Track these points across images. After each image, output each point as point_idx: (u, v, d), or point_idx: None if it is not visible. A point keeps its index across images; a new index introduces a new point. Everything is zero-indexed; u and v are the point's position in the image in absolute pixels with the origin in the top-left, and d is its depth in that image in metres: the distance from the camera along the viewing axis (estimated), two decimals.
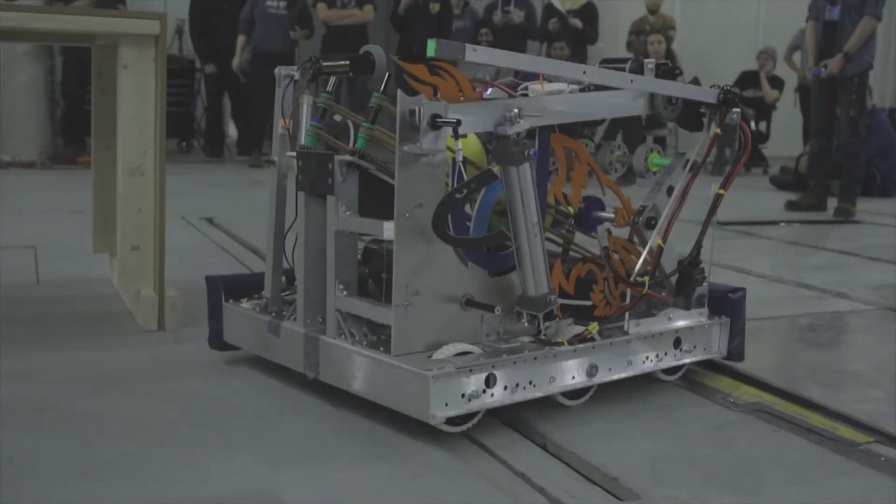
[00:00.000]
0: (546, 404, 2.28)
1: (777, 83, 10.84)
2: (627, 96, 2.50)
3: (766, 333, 3.28)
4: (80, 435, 2.06)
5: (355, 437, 2.09)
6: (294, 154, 2.40)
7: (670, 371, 2.58)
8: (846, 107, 6.78)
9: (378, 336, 2.26)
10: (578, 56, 9.42)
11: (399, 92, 2.10)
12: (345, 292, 2.27)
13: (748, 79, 10.85)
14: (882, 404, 2.48)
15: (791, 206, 7.08)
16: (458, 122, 2.07)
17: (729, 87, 2.57)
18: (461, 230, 2.25)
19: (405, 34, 9.56)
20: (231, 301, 2.61)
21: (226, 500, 1.75)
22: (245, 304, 2.60)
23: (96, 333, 2.89)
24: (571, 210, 2.53)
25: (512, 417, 2.20)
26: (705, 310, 2.63)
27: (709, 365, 2.69)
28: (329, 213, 2.27)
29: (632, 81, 2.44)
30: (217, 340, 2.63)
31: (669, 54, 9.38)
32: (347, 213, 2.25)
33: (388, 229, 2.13)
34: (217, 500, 1.75)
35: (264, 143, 9.38)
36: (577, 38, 9.69)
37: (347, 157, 2.24)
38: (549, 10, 10.05)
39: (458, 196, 2.09)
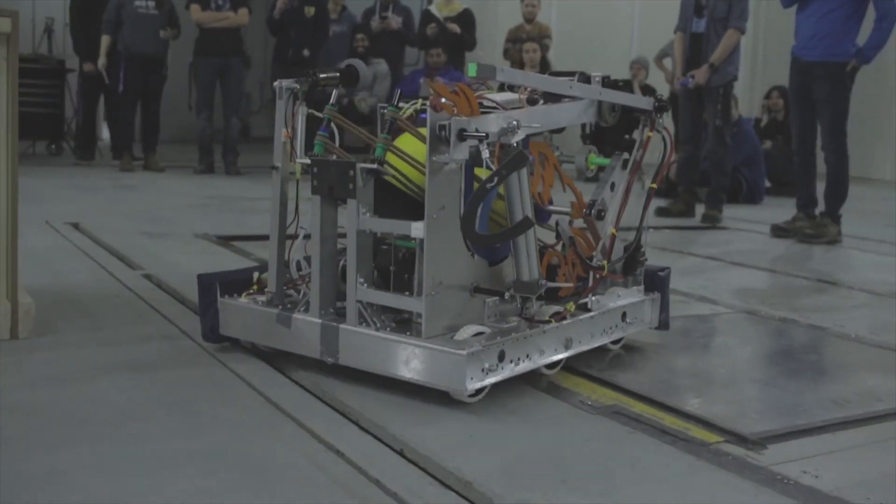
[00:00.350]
0: (406, 409, 2.28)
1: (649, 92, 11.08)
2: (584, 106, 2.91)
3: (627, 337, 3.34)
4: None
5: (207, 443, 2.05)
6: (307, 161, 2.62)
7: (615, 341, 2.96)
8: (712, 116, 6.98)
9: (394, 323, 2.53)
10: (455, 63, 9.47)
11: (430, 110, 2.38)
12: (364, 285, 2.52)
13: (623, 89, 11.06)
14: (734, 406, 2.55)
15: (661, 212, 7.24)
16: (486, 136, 2.38)
17: (661, 97, 3.06)
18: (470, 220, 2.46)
19: (281, 38, 9.47)
20: (227, 297, 2.77)
21: None
22: (243, 299, 2.76)
23: None
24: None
25: (369, 424, 2.19)
26: (641, 287, 3.05)
27: (567, 367, 2.72)
28: (350, 215, 2.51)
29: (601, 94, 2.92)
30: (213, 334, 2.78)
31: (544, 62, 9.51)
32: (367, 214, 2.51)
33: (417, 229, 2.41)
34: None
35: (134, 146, 9.19)
36: (454, 45, 9.75)
37: (368, 165, 2.50)
38: (427, 17, 10.09)
39: (489, 185, 2.36)
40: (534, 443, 2.18)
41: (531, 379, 2.61)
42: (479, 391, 2.38)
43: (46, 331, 2.88)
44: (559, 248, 2.80)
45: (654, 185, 2.99)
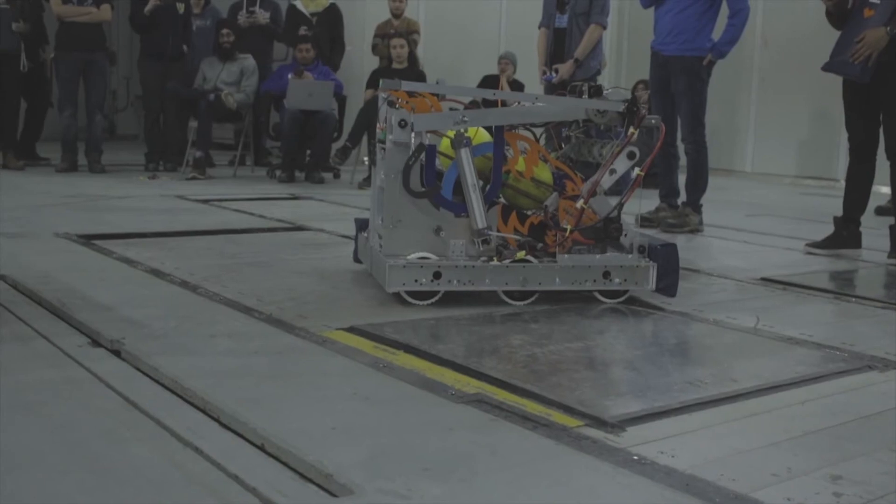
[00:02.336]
0: (269, 404, 2.27)
1: (517, 87, 11.22)
2: (567, 105, 3.91)
3: (494, 325, 3.38)
4: None
5: (62, 446, 1.99)
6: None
7: (610, 295, 3.75)
8: None
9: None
10: (323, 58, 9.42)
11: (388, 109, 3.68)
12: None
13: (490, 83, 11.17)
14: (595, 390, 2.60)
15: None
16: (411, 124, 3.51)
17: (633, 98, 3.77)
18: (434, 184, 3.57)
19: (152, 35, 9.25)
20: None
21: None
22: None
23: None
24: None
25: (230, 420, 2.17)
26: (636, 255, 3.76)
27: (433, 359, 2.74)
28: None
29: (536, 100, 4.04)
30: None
31: (412, 58, 9.52)
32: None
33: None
34: None
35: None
36: (324, 41, 9.70)
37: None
38: (293, 12, 10.00)
39: (410, 162, 3.52)
40: (397, 433, 2.18)
41: (395, 370, 2.62)
42: (426, 296, 3.51)
43: None
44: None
45: (642, 173, 3.69)
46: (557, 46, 7.12)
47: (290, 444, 2.03)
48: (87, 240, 4.69)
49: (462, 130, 3.55)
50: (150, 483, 1.83)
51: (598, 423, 2.29)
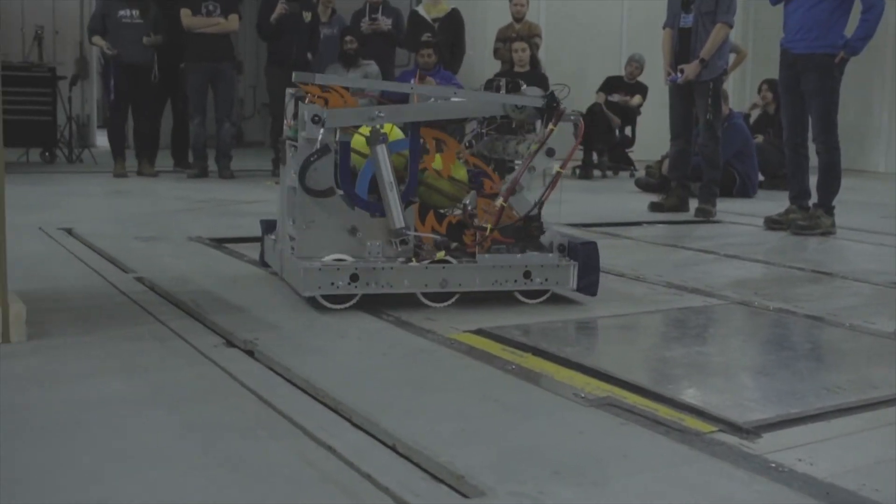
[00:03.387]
0: (399, 405, 2.28)
1: (640, 88, 11.09)
2: (485, 101, 3.70)
3: (622, 330, 3.35)
4: None
5: (200, 442, 2.04)
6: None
7: (531, 295, 3.60)
8: (703, 111, 6.98)
9: None
10: (444, 62, 9.47)
11: (301, 104, 3.46)
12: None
13: (613, 84, 11.08)
14: (728, 395, 2.54)
15: (654, 207, 7.24)
16: (321, 120, 3.36)
17: (553, 94, 3.60)
18: (348, 182, 3.47)
19: (277, 44, 9.46)
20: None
21: None
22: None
23: None
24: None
25: (362, 420, 2.19)
26: (556, 254, 3.63)
27: (562, 361, 2.72)
28: None
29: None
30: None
31: (534, 61, 9.51)
32: None
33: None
34: None
35: (126, 151, 9.17)
36: (445, 46, 9.75)
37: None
38: (415, 18, 10.08)
39: (312, 160, 3.38)
40: (526, 435, 2.17)
41: (523, 372, 2.62)
42: (340, 300, 3.34)
43: (38, 335, 2.87)
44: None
45: (561, 170, 3.61)
46: (682, 47, 7.02)
47: (421, 444, 2.04)
48: (219, 243, 4.81)
49: (378, 126, 3.41)
50: (285, 480, 1.86)
51: (733, 428, 2.24)
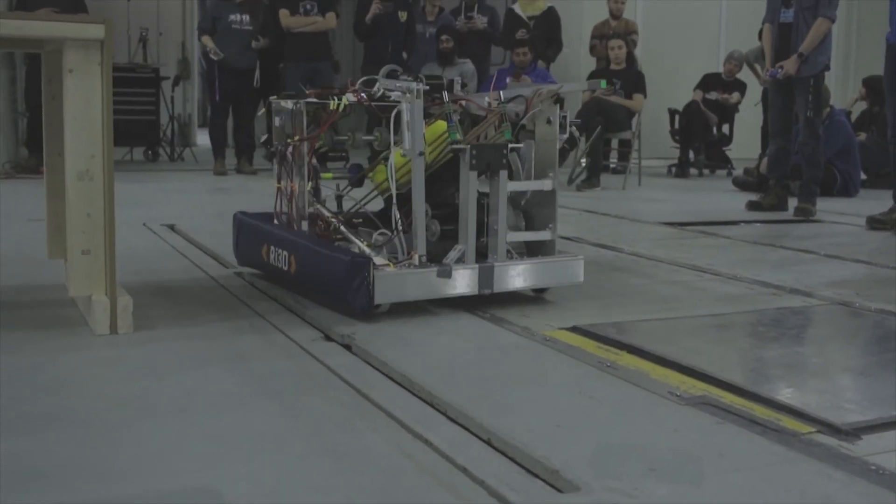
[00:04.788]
0: (494, 400, 2.31)
1: (738, 86, 10.93)
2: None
3: (718, 329, 3.32)
4: (28, 435, 2.06)
5: (300, 432, 2.09)
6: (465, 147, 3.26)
7: None
8: (803, 108, 6.86)
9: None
10: (541, 57, 9.46)
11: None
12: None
13: (711, 81, 10.94)
14: (826, 396, 2.51)
15: (752, 206, 7.14)
16: None
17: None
18: None
19: (373, 43, 9.57)
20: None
21: (165, 497, 1.75)
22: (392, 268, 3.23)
23: (49, 338, 2.88)
24: None
25: (457, 414, 2.22)
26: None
27: (658, 360, 2.72)
28: (503, 181, 3.33)
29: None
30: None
31: (631, 58, 9.44)
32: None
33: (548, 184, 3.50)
34: (156, 497, 1.75)
35: (227, 151, 9.36)
36: (541, 44, 9.74)
37: (514, 144, 3.45)
38: (511, 16, 10.09)
39: None
40: (621, 432, 2.18)
41: (619, 370, 2.62)
42: None
43: (144, 326, 2.96)
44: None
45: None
46: (783, 42, 6.90)
47: (517, 439, 2.06)
48: None
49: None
50: (383, 470, 1.90)
51: (832, 429, 2.21)
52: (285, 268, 3.49)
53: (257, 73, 9.37)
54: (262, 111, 3.92)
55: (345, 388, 2.42)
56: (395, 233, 3.35)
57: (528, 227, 3.59)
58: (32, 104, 9.13)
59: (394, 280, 3.16)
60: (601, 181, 8.61)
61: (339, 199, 3.80)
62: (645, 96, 9.14)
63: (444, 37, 9.44)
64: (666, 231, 5.85)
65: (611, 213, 6.71)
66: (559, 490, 1.85)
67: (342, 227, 3.53)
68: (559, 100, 3.53)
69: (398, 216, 3.31)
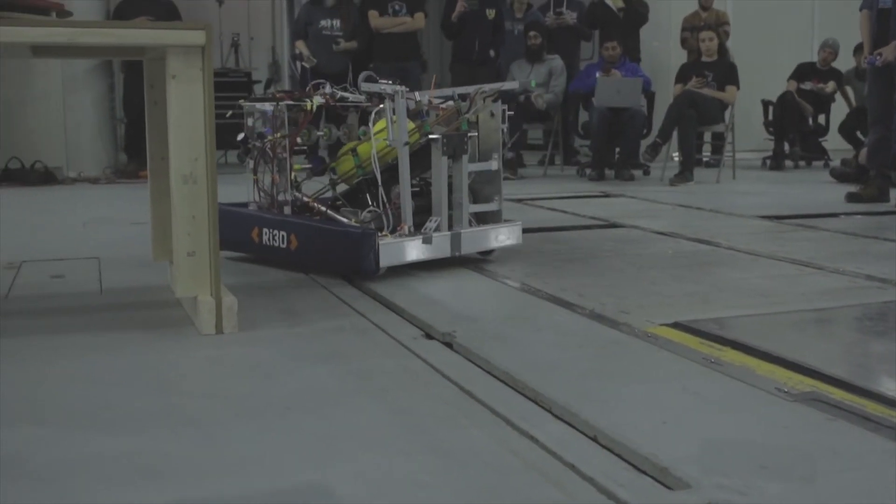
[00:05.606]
0: (598, 397, 2.30)
1: (834, 75, 10.69)
2: None
3: (823, 323, 3.25)
4: (140, 433, 2.11)
5: (405, 430, 2.11)
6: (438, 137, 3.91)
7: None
8: None
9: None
10: (627, 56, 9.37)
11: None
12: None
13: (805, 71, 10.71)
14: None
15: (851, 197, 6.97)
16: None
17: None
18: None
19: (461, 41, 9.58)
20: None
21: (277, 495, 1.78)
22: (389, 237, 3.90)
23: (158, 338, 2.95)
24: None
25: (562, 411, 2.21)
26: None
27: (762, 355, 2.67)
28: (465, 164, 4.03)
29: None
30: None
31: (722, 50, 9.29)
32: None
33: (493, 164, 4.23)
34: (268, 495, 1.78)
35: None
36: (628, 29, 9.64)
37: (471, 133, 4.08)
38: (597, 7, 10.00)
39: None
40: (729, 429, 2.15)
41: (723, 366, 2.58)
42: None
43: (248, 326, 3.01)
44: None
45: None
46: (881, 28, 6.72)
47: (623, 436, 2.04)
48: None
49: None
50: (490, 467, 1.90)
51: None
52: (283, 246, 3.98)
53: (350, 77, 9.44)
54: (229, 113, 4.47)
55: (448, 386, 2.43)
56: (383, 209, 3.94)
57: (477, 201, 4.25)
58: (130, 111, 9.35)
59: (392, 247, 3.78)
60: (694, 175, 8.49)
61: (333, 184, 4.38)
62: (738, 88, 8.99)
63: (532, 33, 9.40)
64: (763, 225, 5.75)
65: (705, 207, 6.61)
66: (668, 487, 1.83)
67: (325, 209, 4.11)
68: (498, 97, 4.25)
69: (384, 195, 3.92)
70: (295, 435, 2.10)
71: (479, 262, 4.17)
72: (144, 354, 2.77)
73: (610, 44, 9.09)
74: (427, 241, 3.88)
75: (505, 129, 4.33)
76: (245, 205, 4.30)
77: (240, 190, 4.44)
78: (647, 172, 9.12)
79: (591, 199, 7.12)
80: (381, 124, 3.98)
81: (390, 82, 3.87)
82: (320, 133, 4.23)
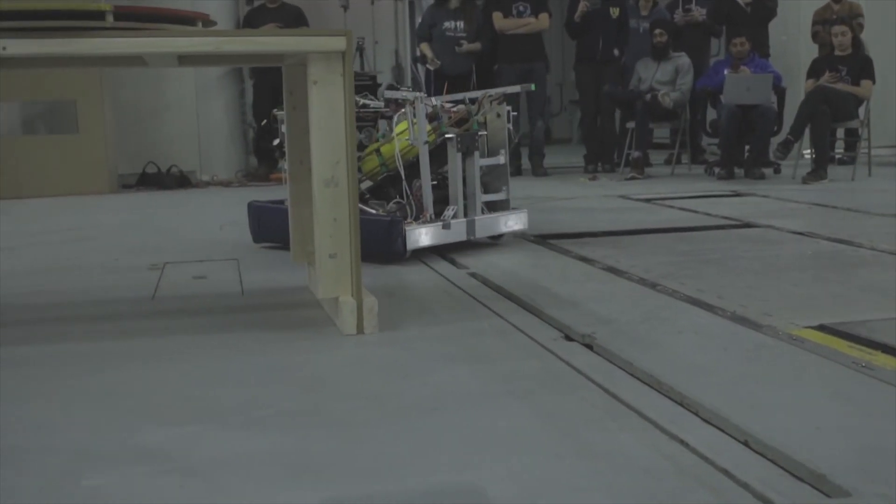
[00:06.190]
0: (747, 400, 2.26)
1: None
2: None
3: None
4: (290, 432, 2.15)
5: (554, 432, 2.10)
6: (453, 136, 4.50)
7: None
8: None
9: None
10: (756, 52, 9.15)
11: None
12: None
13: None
14: None
15: None
16: None
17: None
18: None
19: (584, 41, 9.52)
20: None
21: (430, 495, 1.79)
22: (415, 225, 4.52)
23: (301, 338, 3.01)
24: None
25: (710, 415, 2.17)
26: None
27: None
28: (476, 159, 4.59)
29: None
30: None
31: (857, 43, 9.00)
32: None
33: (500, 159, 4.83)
34: (422, 494, 1.80)
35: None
36: (756, 24, 9.43)
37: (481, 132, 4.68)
38: (725, 3, 9.79)
39: None
40: (886, 435, 2.07)
41: (875, 370, 2.50)
42: None
43: (387, 326, 3.05)
44: None
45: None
46: None
47: (776, 441, 2.00)
48: (543, 239, 4.91)
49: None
50: (642, 471, 1.88)
51: None
52: None
53: (474, 78, 9.48)
54: (264, 121, 5.10)
55: (593, 388, 2.42)
56: (406, 200, 4.50)
57: (487, 192, 4.79)
58: (259, 116, 9.57)
59: (416, 233, 4.28)
60: (828, 173, 8.26)
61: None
62: (874, 82, 8.70)
63: (657, 31, 9.27)
64: None
65: (841, 206, 6.43)
66: (827, 495, 1.78)
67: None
68: (504, 99, 4.83)
69: (407, 188, 4.50)
70: (444, 435, 2.11)
71: (613, 262, 4.14)
72: (289, 354, 2.84)
73: (738, 39, 8.90)
74: (446, 226, 4.39)
75: (510, 129, 4.81)
76: (281, 202, 4.71)
77: (261, 193, 4.58)
78: (777, 171, 8.90)
79: (722, 198, 6.99)
80: (401, 126, 4.52)
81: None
82: None
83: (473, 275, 3.94)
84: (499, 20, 9.24)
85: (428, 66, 9.33)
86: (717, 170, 8.65)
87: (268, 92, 9.11)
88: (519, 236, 5.00)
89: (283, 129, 4.37)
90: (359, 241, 3.02)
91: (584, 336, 2.88)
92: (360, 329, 3.00)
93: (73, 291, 3.93)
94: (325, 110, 2.99)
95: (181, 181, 8.95)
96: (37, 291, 3.95)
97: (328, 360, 2.77)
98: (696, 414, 2.22)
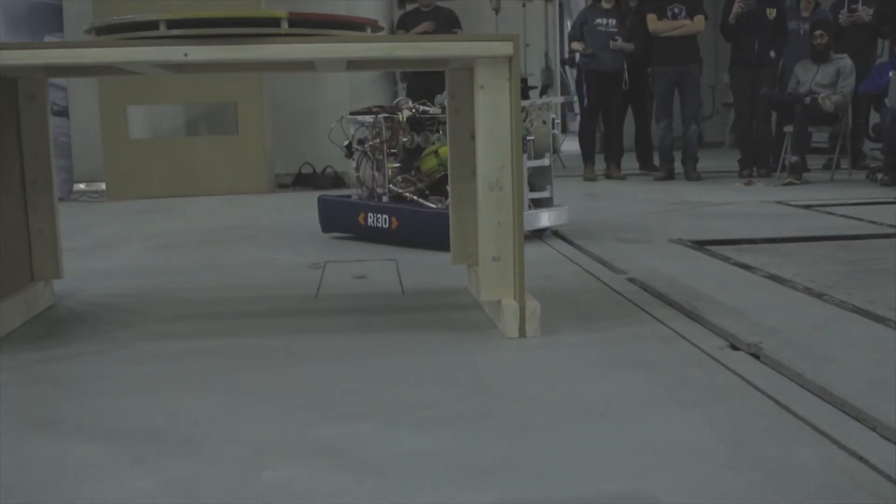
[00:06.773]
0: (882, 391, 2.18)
1: None
2: None
3: None
4: (460, 433, 2.18)
5: (726, 443, 2.08)
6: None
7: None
8: None
9: None
10: None
11: None
12: None
13: None
14: None
15: None
16: None
17: None
18: None
19: (739, 42, 9.32)
20: None
21: (603, 500, 1.79)
22: None
23: (464, 340, 3.05)
24: None
25: (889, 431, 2.11)
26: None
27: None
28: (524, 161, 4.88)
29: None
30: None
31: None
32: None
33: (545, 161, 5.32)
34: (594, 498, 1.80)
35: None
36: None
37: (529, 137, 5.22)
38: (888, 3, 9.44)
39: None
40: None
41: None
42: None
43: (549, 330, 3.06)
44: None
45: None
46: None
47: None
48: (700, 245, 4.84)
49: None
50: (821, 487, 1.84)
51: None
52: (385, 226, 5.13)
53: (626, 76, 9.42)
54: (333, 124, 5.61)
55: (762, 399, 2.37)
56: None
57: (533, 190, 5.22)
58: None
59: None
60: None
61: (419, 179, 5.29)
62: None
63: (817, 32, 9.01)
64: None
65: None
66: None
67: (416, 198, 5.18)
68: (550, 107, 5.42)
69: None
70: (613, 441, 2.11)
71: (775, 270, 4.04)
72: (453, 356, 2.88)
73: None
74: None
75: (556, 133, 5.13)
76: (348, 196, 5.54)
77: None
78: None
79: (887, 205, 6.74)
80: None
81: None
82: (405, 139, 5.24)
83: (632, 280, 3.91)
84: (653, 22, 9.15)
85: (582, 52, 9.28)
86: (880, 176, 8.34)
87: (421, 94, 9.21)
88: (675, 242, 4.94)
89: (353, 130, 5.37)
90: (522, 244, 3.04)
91: (750, 346, 2.83)
92: (522, 332, 3.01)
93: (241, 288, 4.07)
94: (492, 115, 3.02)
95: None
96: (207, 287, 4.11)
97: (492, 363, 2.80)
98: (874, 430, 2.15)
